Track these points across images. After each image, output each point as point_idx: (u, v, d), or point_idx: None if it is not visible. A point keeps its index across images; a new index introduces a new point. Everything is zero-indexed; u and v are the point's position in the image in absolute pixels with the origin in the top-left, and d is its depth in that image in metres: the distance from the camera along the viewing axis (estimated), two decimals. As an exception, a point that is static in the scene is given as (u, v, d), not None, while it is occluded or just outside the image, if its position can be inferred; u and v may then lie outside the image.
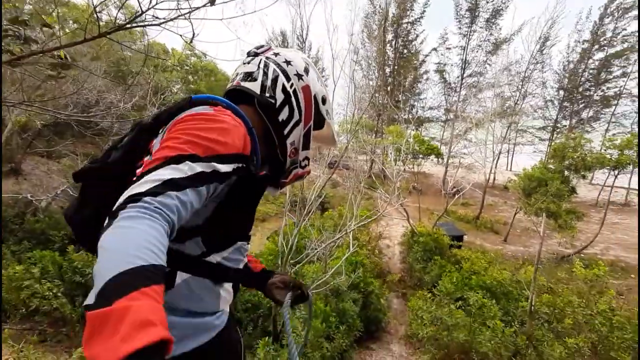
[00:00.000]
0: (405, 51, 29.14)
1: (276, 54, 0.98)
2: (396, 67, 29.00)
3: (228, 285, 0.92)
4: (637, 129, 24.27)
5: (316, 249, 5.56)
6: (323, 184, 5.92)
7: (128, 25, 1.49)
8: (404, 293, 10.64)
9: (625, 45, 24.11)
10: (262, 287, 1.11)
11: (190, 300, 0.79)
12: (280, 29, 31.41)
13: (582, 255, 13.88)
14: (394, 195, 10.41)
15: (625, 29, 24.02)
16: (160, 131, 0.79)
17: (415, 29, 28.37)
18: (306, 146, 1.00)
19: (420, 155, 16.51)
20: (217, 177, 0.70)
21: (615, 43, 24.70)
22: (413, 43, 29.00)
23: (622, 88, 25.30)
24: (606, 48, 25.11)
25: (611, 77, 25.53)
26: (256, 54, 0.98)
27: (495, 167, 23.14)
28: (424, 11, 27.37)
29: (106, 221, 0.53)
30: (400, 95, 29.17)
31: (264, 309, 6.43)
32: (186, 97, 0.83)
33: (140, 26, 1.47)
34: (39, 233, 8.07)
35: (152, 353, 0.37)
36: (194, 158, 0.65)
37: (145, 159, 0.77)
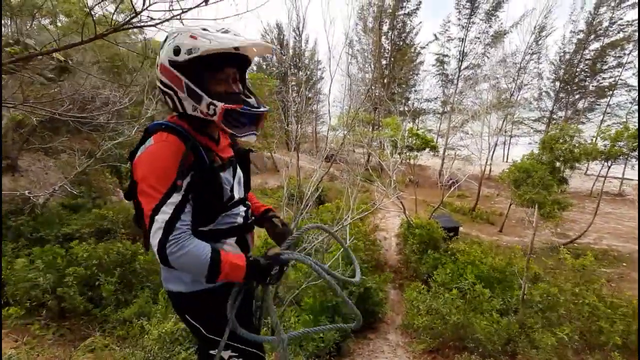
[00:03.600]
0: (402, 43, 28.99)
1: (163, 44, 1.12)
2: (392, 59, 28.87)
3: (230, 241, 1.23)
4: (632, 119, 24.45)
5: (313, 242, 5.65)
6: (320, 178, 5.98)
7: (124, 27, 1.54)
8: (401, 284, 10.81)
9: (621, 35, 24.10)
10: (261, 225, 1.48)
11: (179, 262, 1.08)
12: (276, 21, 31.14)
13: (575, 244, 14.11)
14: (391, 187, 10.52)
15: (621, 18, 23.98)
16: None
17: (411, 21, 28.18)
18: (198, 97, 1.06)
19: (416, 149, 16.57)
20: (184, 195, 1.04)
21: (611, 33, 24.68)
22: (409, 35, 28.84)
23: (617, 78, 25.37)
24: (602, 38, 25.08)
25: (606, 67, 25.56)
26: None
27: (492, 159, 23.29)
28: (420, 2, 27.16)
29: (158, 249, 0.98)
30: (396, 88, 29.10)
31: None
32: (146, 128, 1.12)
33: (136, 27, 1.52)
34: (36, 230, 8.10)
35: (254, 267, 1.05)
36: (164, 199, 0.99)
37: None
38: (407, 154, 16.26)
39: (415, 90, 31.70)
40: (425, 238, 10.99)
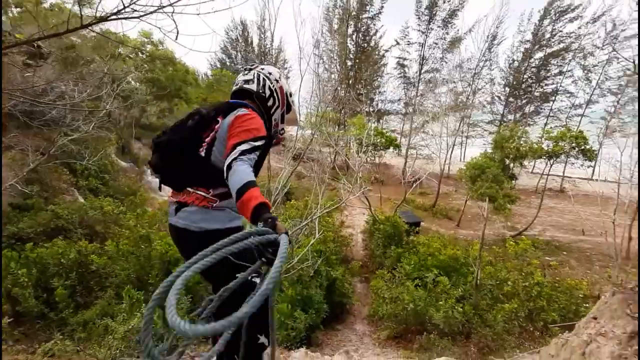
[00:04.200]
0: (366, 45, 29.82)
1: (262, 69, 1.66)
2: (357, 61, 29.61)
3: None
4: (571, 122, 27.02)
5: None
6: (288, 175, 6.11)
7: (110, 18, 1.59)
8: (367, 277, 11.21)
9: (561, 45, 26.62)
10: None
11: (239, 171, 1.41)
12: (241, 18, 30.75)
13: (523, 236, 15.40)
14: (357, 184, 10.87)
15: (561, 30, 26.49)
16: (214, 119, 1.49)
17: (374, 24, 29.10)
18: (282, 121, 1.74)
19: (381, 147, 17.20)
20: (260, 147, 1.37)
21: (552, 44, 27.17)
22: (373, 38, 29.76)
23: (558, 85, 27.97)
24: (545, 48, 27.53)
25: (549, 74, 28.07)
26: (250, 69, 1.66)
27: (451, 159, 24.68)
28: (382, 7, 28.14)
29: (228, 162, 1.24)
30: (362, 89, 29.88)
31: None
32: (225, 103, 1.55)
33: (121, 19, 1.58)
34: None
35: (262, 208, 1.12)
36: (254, 140, 1.34)
37: (213, 135, 1.46)
38: (373, 152, 16.80)
39: (380, 92, 32.77)
40: (389, 232, 11.48)
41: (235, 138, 1.33)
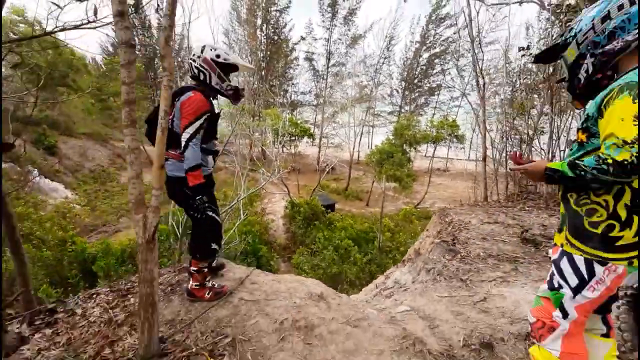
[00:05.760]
0: (276, 37, 30.27)
1: (191, 55, 2.05)
2: (268, 52, 29.91)
3: (209, 158, 2.13)
4: (451, 113, 32.14)
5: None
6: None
7: (78, 27, 1.97)
8: (290, 257, 12.18)
9: (442, 47, 31.36)
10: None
11: (204, 160, 1.99)
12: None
13: (418, 208, 18.33)
14: (275, 172, 11.63)
15: (442, 35, 31.16)
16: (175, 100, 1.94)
17: (283, 17, 29.70)
18: (224, 80, 2.04)
19: (296, 137, 18.20)
20: (203, 122, 1.87)
21: (436, 45, 31.78)
22: (282, 30, 30.34)
23: (441, 81, 32.95)
24: (430, 49, 32.04)
25: (434, 72, 32.82)
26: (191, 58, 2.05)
27: (359, 146, 27.18)
28: (290, 0, 28.88)
29: (184, 144, 1.84)
30: (274, 80, 30.34)
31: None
32: (180, 88, 1.99)
33: (89, 28, 1.96)
34: None
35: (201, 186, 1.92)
36: (195, 119, 1.84)
37: (172, 112, 1.94)
38: (289, 141, 17.63)
39: (293, 84, 33.73)
40: (308, 213, 12.60)
41: (184, 120, 1.86)
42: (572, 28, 1.19)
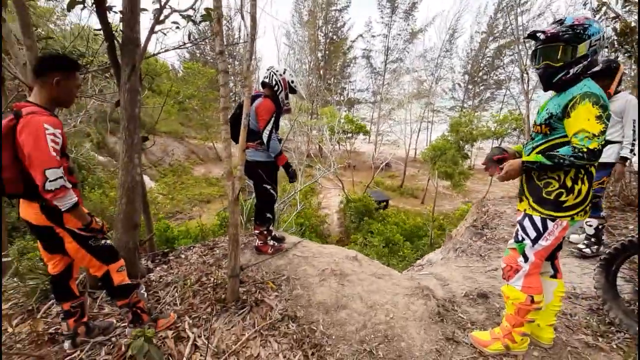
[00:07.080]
0: (335, 37, 30.99)
1: (273, 68, 2.67)
2: (327, 52, 30.77)
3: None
4: (522, 107, 29.73)
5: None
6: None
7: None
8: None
9: (512, 37, 29.08)
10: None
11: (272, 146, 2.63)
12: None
13: (477, 208, 17.57)
14: (331, 168, 12.32)
15: (511, 24, 28.90)
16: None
17: (342, 17, 30.28)
18: (287, 97, 2.74)
19: (351, 133, 18.69)
20: (272, 119, 2.59)
21: (505, 35, 29.60)
22: (341, 29, 30.95)
23: (510, 73, 30.60)
24: (498, 39, 29.95)
25: (502, 64, 30.61)
26: (268, 70, 2.69)
27: (416, 143, 26.70)
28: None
29: (265, 140, 2.60)
30: (332, 79, 31.12)
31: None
32: (253, 95, 2.66)
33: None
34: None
35: (287, 163, 2.75)
36: (268, 121, 2.58)
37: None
38: (344, 138, 18.17)
39: (350, 82, 34.21)
40: (360, 209, 13.06)
41: (261, 121, 2.53)
42: (585, 27, 1.37)
